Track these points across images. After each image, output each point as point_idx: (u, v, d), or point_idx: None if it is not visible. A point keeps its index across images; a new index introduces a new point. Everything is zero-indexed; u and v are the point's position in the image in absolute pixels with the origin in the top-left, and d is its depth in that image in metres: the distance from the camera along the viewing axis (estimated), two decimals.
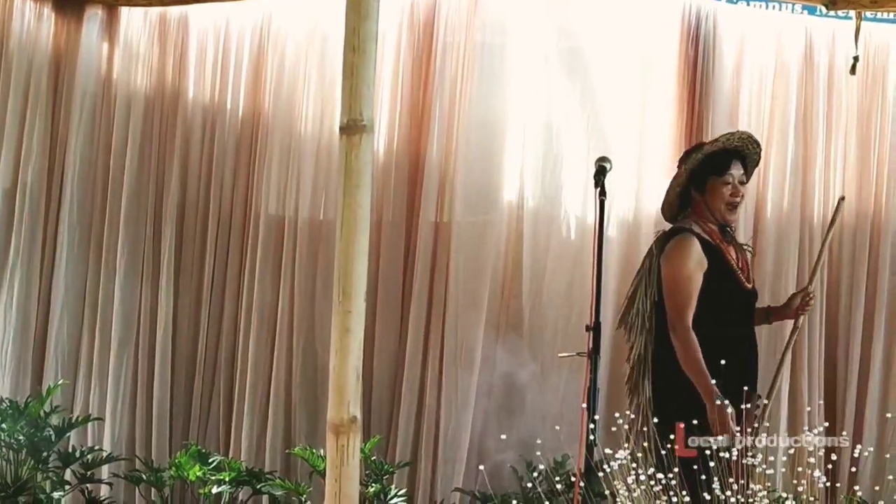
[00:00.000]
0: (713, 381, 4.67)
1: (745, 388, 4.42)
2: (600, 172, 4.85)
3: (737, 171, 5.17)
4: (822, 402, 6.72)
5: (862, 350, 6.74)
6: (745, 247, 5.40)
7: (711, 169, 5.17)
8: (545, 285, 6.70)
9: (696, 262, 5.07)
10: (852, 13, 6.35)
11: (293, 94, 6.84)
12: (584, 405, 4.47)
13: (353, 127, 2.57)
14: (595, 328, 4.62)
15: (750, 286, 5.21)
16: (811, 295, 5.25)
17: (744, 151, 5.25)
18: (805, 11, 6.81)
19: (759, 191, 6.77)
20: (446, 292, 6.67)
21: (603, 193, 4.79)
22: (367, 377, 6.50)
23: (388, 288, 6.70)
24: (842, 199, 5.18)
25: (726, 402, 4.64)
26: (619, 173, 5.21)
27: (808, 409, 6.55)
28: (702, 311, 5.04)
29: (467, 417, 6.62)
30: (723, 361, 4.49)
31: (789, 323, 5.43)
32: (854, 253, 6.80)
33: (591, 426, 4.36)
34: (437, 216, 6.71)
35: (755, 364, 5.19)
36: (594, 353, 4.58)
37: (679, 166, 5.30)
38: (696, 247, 5.07)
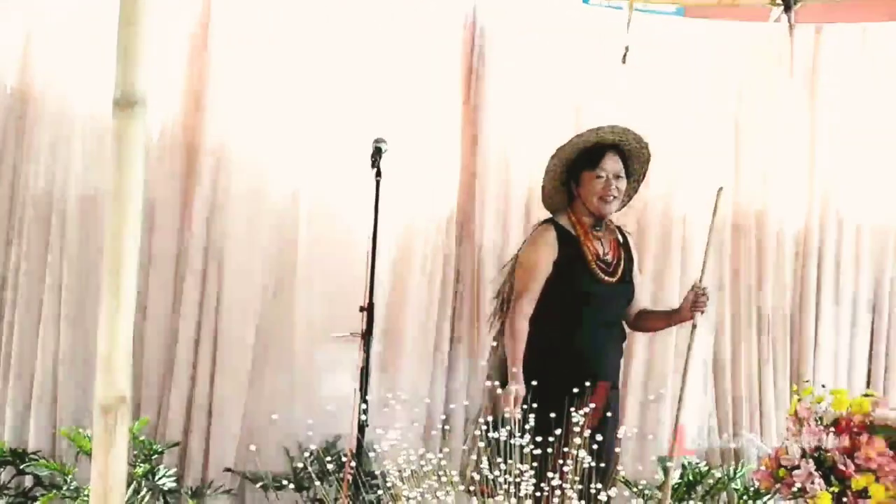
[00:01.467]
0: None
1: (593, 379, 4.66)
2: (376, 153, 4.86)
3: (611, 165, 5.18)
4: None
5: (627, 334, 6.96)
6: (620, 242, 5.36)
7: (585, 162, 5.20)
8: (321, 265, 6.70)
9: (545, 251, 5.13)
10: (624, 4, 6.54)
11: (65, 68, 6.63)
12: (357, 386, 4.48)
13: (126, 102, 2.51)
14: (369, 309, 4.64)
15: (613, 280, 5.19)
16: (703, 291, 5.19)
17: (623, 146, 5.26)
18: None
19: (533, 179, 6.92)
20: (220, 272, 6.61)
21: (379, 174, 4.81)
22: (138, 357, 6.40)
23: (160, 267, 6.60)
24: (720, 189, 5.18)
25: (516, 388, 4.77)
26: (395, 158, 5.22)
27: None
28: (551, 299, 5.11)
29: (240, 398, 6.58)
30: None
31: None
32: None
33: (364, 406, 4.38)
34: (212, 197, 6.64)
35: (607, 353, 5.22)
36: (367, 334, 4.60)
37: (548, 162, 5.32)
38: (549, 237, 5.14)
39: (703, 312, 5.17)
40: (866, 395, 3.66)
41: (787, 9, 6.57)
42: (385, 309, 6.69)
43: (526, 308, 5.05)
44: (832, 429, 3.46)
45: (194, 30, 6.66)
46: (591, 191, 5.18)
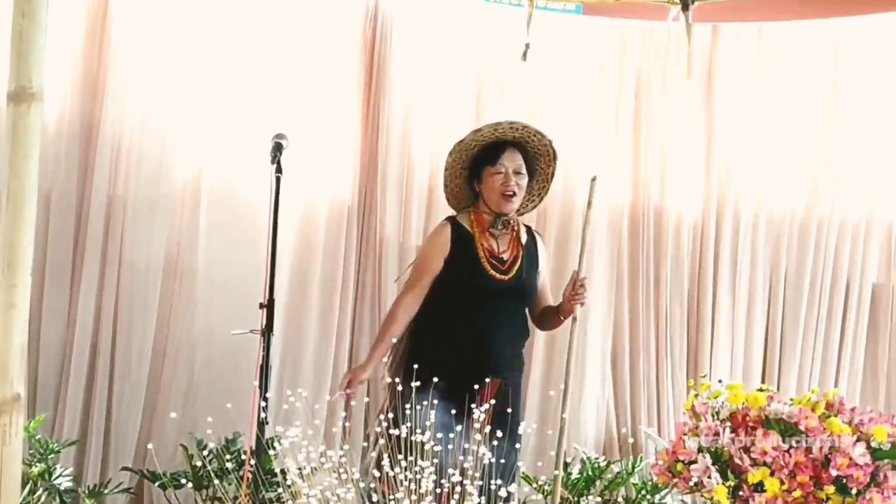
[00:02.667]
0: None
1: (484, 376, 4.73)
2: (276, 149, 4.81)
3: (511, 161, 5.21)
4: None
5: None
6: (530, 239, 5.40)
7: (485, 159, 5.23)
8: (221, 259, 6.64)
9: (437, 246, 5.24)
10: (525, 1, 6.56)
11: None
12: (256, 382, 4.45)
13: (22, 94, 2.47)
14: (269, 306, 4.60)
15: (506, 277, 5.21)
16: (581, 282, 5.16)
17: (524, 143, 5.28)
18: None
19: (433, 171, 6.94)
20: (119, 266, 6.53)
21: (279, 170, 4.76)
22: (34, 354, 6.30)
23: (56, 261, 6.49)
24: (593, 179, 5.15)
25: (355, 369, 5.09)
26: (296, 149, 5.18)
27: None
28: (444, 296, 5.20)
29: (139, 395, 6.51)
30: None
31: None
32: None
33: (263, 404, 4.35)
34: (110, 188, 6.55)
35: (505, 354, 5.24)
36: (267, 331, 4.56)
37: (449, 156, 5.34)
38: (443, 233, 5.25)
39: (582, 304, 5.19)
40: (761, 390, 3.71)
41: (685, 8, 6.62)
42: (286, 305, 6.66)
43: (409, 300, 5.18)
44: (728, 423, 3.50)
45: (93, 18, 6.56)
46: (490, 187, 5.22)
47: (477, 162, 5.28)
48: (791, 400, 3.55)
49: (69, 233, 6.51)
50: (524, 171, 5.25)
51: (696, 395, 3.95)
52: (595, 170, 6.97)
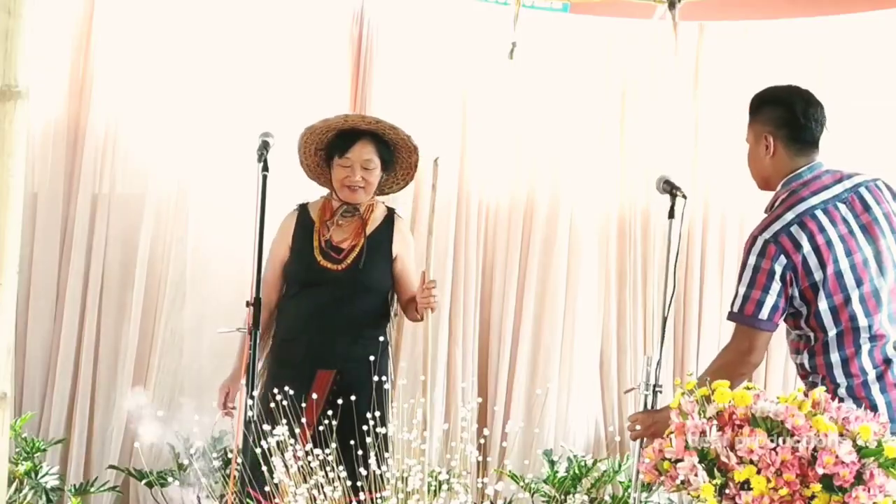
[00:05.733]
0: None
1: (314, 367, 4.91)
2: (263, 147, 4.79)
3: (360, 154, 5.19)
4: (475, 379, 6.94)
5: (513, 329, 6.99)
6: (384, 225, 5.36)
7: (336, 147, 5.22)
8: (209, 258, 6.63)
9: (281, 237, 5.29)
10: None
11: None
12: (243, 381, 4.45)
13: (7, 93, 2.47)
14: (255, 304, 4.60)
15: (339, 267, 5.19)
16: (428, 285, 5.04)
17: (381, 134, 5.25)
18: None
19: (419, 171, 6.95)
20: (104, 266, 6.52)
21: (266, 168, 4.75)
22: (20, 353, 6.29)
23: (43, 261, 6.48)
24: (435, 160, 5.08)
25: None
26: (282, 151, 5.19)
27: (463, 384, 6.75)
28: (285, 286, 5.27)
29: (124, 394, 6.50)
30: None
31: None
32: (508, 235, 7.05)
33: (250, 402, 4.35)
34: (95, 187, 6.53)
35: (340, 345, 5.17)
36: (254, 329, 4.56)
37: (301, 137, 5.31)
38: (288, 223, 5.31)
39: (433, 310, 5.09)
40: (748, 388, 3.72)
41: (672, 6, 6.64)
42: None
43: (263, 291, 4.91)
44: (715, 421, 3.51)
45: (78, 19, 6.54)
46: (336, 177, 5.22)
47: (330, 148, 5.27)
48: (777, 398, 3.55)
49: (55, 232, 6.50)
50: (374, 164, 5.22)
51: (683, 394, 3.95)
52: (582, 170, 7.05)
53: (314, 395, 4.31)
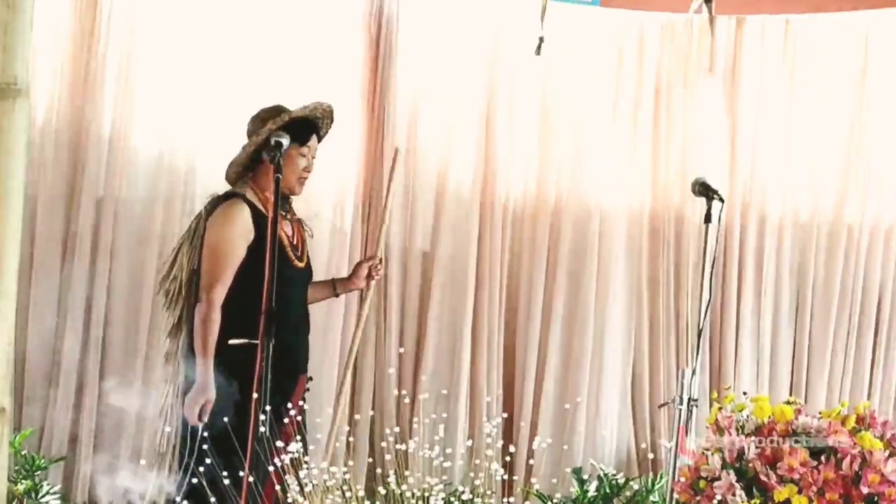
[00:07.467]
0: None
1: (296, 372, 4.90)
2: (276, 148, 4.75)
3: (314, 144, 5.20)
4: (500, 392, 6.92)
5: (540, 339, 6.97)
6: (302, 223, 5.33)
7: (295, 136, 5.06)
8: None
9: (241, 232, 4.99)
10: None
11: None
12: (255, 394, 4.44)
13: (6, 91, 2.47)
14: (268, 313, 4.57)
15: (303, 264, 5.17)
16: (378, 264, 5.32)
17: (319, 125, 5.27)
18: None
19: (441, 171, 6.95)
20: (110, 272, 6.52)
21: (278, 171, 4.71)
22: (20, 366, 6.30)
23: (45, 270, 6.49)
24: (396, 150, 5.13)
25: (206, 397, 4.83)
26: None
27: (488, 399, 6.73)
28: (245, 285, 4.92)
29: (131, 409, 6.49)
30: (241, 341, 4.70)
31: None
32: (534, 237, 7.04)
33: (262, 417, 4.34)
34: (100, 189, 6.53)
35: (303, 344, 5.20)
36: (267, 339, 4.54)
37: (254, 125, 5.20)
38: (244, 216, 5.00)
39: (375, 279, 5.36)
40: (789, 403, 3.71)
41: None
42: None
43: (220, 297, 4.91)
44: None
45: (82, 12, 6.55)
46: (293, 169, 5.10)
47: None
48: (820, 413, 3.54)
49: (57, 236, 6.51)
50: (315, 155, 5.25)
51: (720, 409, 3.94)
52: (612, 171, 7.03)
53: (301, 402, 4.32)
